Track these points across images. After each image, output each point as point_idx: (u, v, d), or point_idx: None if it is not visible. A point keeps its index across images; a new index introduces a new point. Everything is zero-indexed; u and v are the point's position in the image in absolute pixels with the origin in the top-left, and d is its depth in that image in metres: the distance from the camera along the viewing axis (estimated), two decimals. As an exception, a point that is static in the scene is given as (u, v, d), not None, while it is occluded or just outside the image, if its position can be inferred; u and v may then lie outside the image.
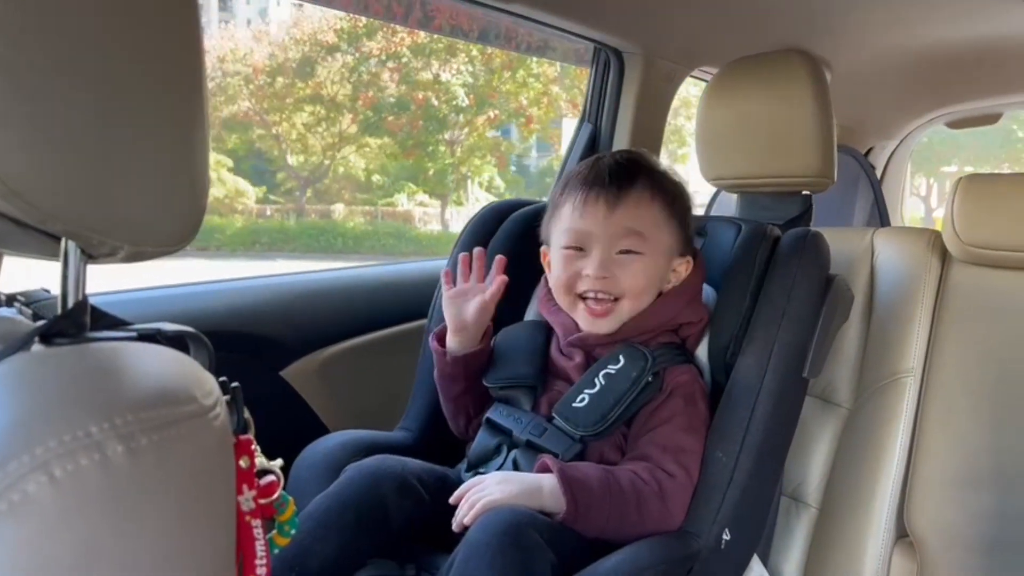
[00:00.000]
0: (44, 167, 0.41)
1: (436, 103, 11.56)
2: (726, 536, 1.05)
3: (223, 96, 11.39)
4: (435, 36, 9.52)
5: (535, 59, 9.10)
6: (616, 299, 1.12)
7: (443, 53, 11.18)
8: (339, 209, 12.34)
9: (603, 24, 1.67)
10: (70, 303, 0.49)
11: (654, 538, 1.01)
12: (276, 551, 0.58)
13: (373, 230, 12.05)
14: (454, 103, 11.46)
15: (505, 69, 10.84)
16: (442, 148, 11.95)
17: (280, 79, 11.55)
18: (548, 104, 10.96)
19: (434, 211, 12.48)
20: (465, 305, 1.18)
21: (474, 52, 10.79)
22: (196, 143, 0.48)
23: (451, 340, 1.20)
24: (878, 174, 2.84)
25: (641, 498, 1.01)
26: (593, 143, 1.88)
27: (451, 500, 1.02)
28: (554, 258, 1.17)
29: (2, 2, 0.38)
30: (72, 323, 0.49)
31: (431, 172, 12.14)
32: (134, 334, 0.50)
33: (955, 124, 2.93)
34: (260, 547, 0.53)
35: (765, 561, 1.23)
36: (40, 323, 0.48)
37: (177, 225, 0.48)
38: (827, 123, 1.38)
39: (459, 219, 11.65)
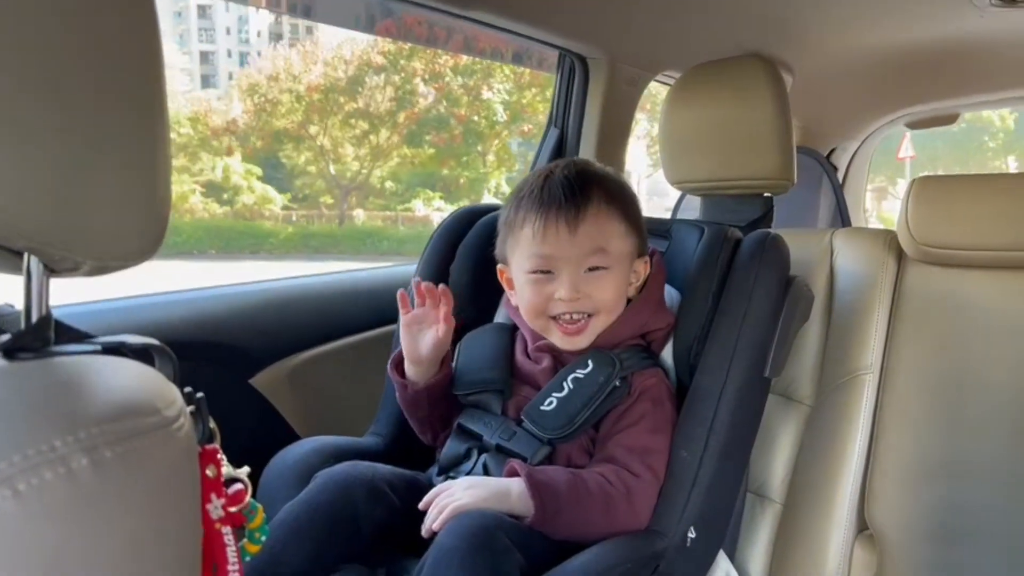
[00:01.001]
0: (3, 184, 0.41)
1: (476, 118, 12.48)
2: (691, 534, 1.07)
3: (272, 110, 12.20)
4: (475, 60, 11.01)
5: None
6: (589, 315, 1.14)
7: (481, 73, 12.07)
8: (360, 215, 13.02)
9: (566, 30, 1.69)
10: (34, 318, 0.49)
11: (620, 537, 1.03)
12: (247, 559, 0.59)
13: (416, 233, 12.63)
14: (493, 119, 12.40)
15: (532, 86, 11.71)
16: (475, 158, 12.85)
17: (330, 96, 12.42)
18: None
19: (452, 217, 13.23)
20: (420, 336, 1.16)
21: (507, 71, 11.63)
22: (157, 157, 0.48)
23: (409, 369, 1.19)
24: (841, 175, 2.90)
25: (608, 500, 1.03)
26: (560, 147, 1.90)
27: (420, 506, 1.02)
28: (520, 282, 1.17)
29: None
30: (36, 337, 0.49)
31: (462, 181, 12.94)
32: (99, 347, 0.51)
33: (915, 124, 2.99)
34: (232, 553, 0.54)
35: (731, 557, 1.25)
36: (3, 338, 0.49)
37: (139, 239, 0.48)
38: (786, 126, 1.40)
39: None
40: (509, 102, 12.14)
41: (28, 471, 0.35)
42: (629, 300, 1.18)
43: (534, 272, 1.14)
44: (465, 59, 11.47)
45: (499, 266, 1.24)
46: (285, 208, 12.37)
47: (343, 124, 12.36)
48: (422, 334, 1.16)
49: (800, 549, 1.37)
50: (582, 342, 1.14)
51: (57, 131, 0.42)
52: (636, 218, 1.18)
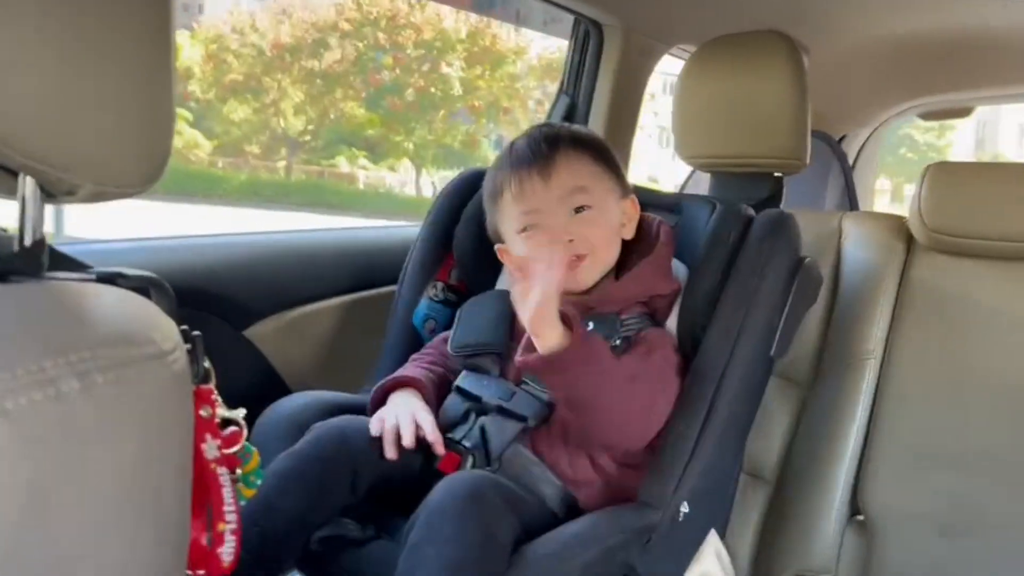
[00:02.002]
0: (3, 98, 0.39)
1: (433, 90, 13.11)
2: (684, 509, 1.06)
3: (232, 62, 12.63)
4: (435, 36, 12.08)
5: (511, 59, 12.27)
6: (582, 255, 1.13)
7: (437, 50, 12.73)
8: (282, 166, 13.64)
9: None
10: (28, 242, 0.47)
11: (613, 508, 1.02)
12: (242, 502, 0.58)
13: (363, 192, 13.29)
14: (451, 92, 13.11)
15: (479, 64, 12.57)
16: (423, 125, 13.42)
17: (293, 55, 12.90)
18: (520, 97, 13.05)
19: (375, 174, 14.08)
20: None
21: (459, 50, 12.48)
22: (161, 86, 0.47)
23: None
24: (851, 161, 2.87)
25: (643, 372, 1.04)
26: (570, 114, 1.87)
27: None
28: (516, 247, 1.16)
29: None
30: (29, 262, 0.47)
31: (408, 144, 13.50)
32: (93, 276, 0.49)
33: (928, 116, 2.96)
34: (228, 494, 0.53)
35: (722, 536, 1.24)
36: (-5, 262, 0.47)
37: (140, 166, 0.47)
38: (802, 106, 1.38)
39: (408, 183, 13.48)
40: (464, 78, 12.88)
41: (17, 391, 0.34)
42: (627, 244, 1.17)
43: (523, 231, 1.14)
44: (426, 34, 12.19)
45: (497, 246, 1.22)
46: (211, 154, 12.75)
47: (300, 82, 12.81)
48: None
49: (791, 532, 1.37)
50: (584, 277, 1.13)
51: (61, 49, 0.41)
52: (610, 160, 1.19)
